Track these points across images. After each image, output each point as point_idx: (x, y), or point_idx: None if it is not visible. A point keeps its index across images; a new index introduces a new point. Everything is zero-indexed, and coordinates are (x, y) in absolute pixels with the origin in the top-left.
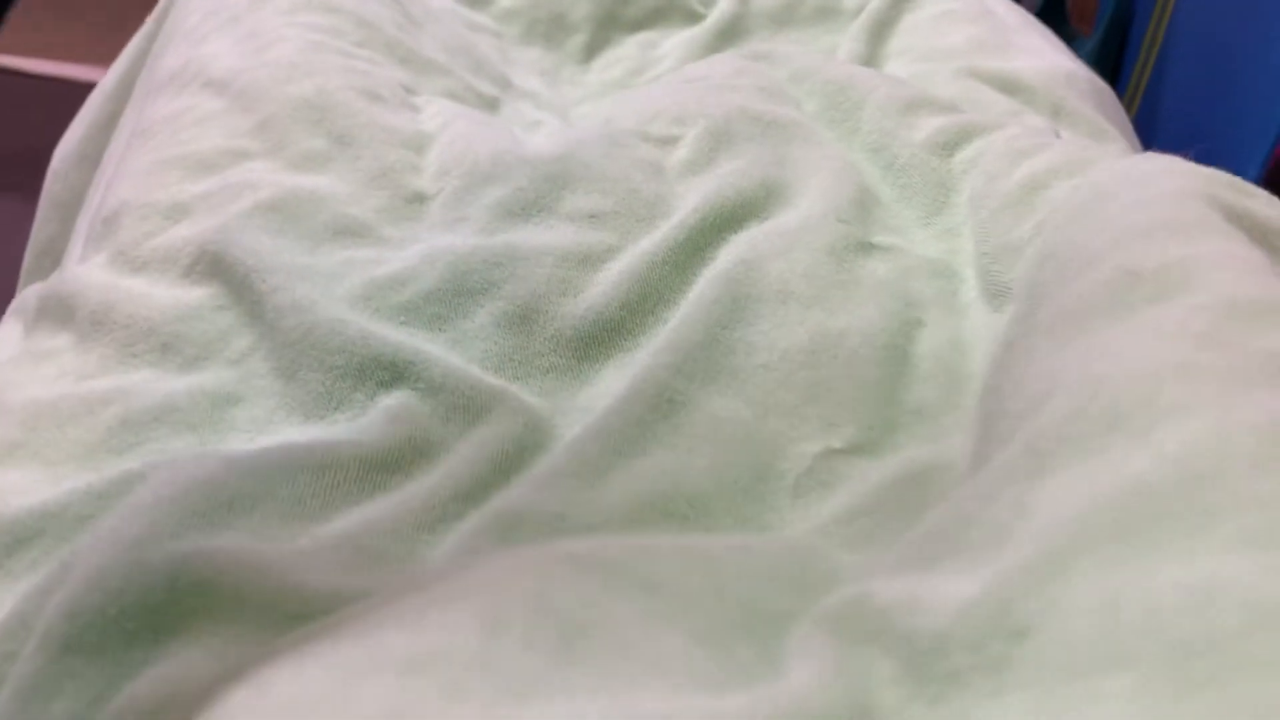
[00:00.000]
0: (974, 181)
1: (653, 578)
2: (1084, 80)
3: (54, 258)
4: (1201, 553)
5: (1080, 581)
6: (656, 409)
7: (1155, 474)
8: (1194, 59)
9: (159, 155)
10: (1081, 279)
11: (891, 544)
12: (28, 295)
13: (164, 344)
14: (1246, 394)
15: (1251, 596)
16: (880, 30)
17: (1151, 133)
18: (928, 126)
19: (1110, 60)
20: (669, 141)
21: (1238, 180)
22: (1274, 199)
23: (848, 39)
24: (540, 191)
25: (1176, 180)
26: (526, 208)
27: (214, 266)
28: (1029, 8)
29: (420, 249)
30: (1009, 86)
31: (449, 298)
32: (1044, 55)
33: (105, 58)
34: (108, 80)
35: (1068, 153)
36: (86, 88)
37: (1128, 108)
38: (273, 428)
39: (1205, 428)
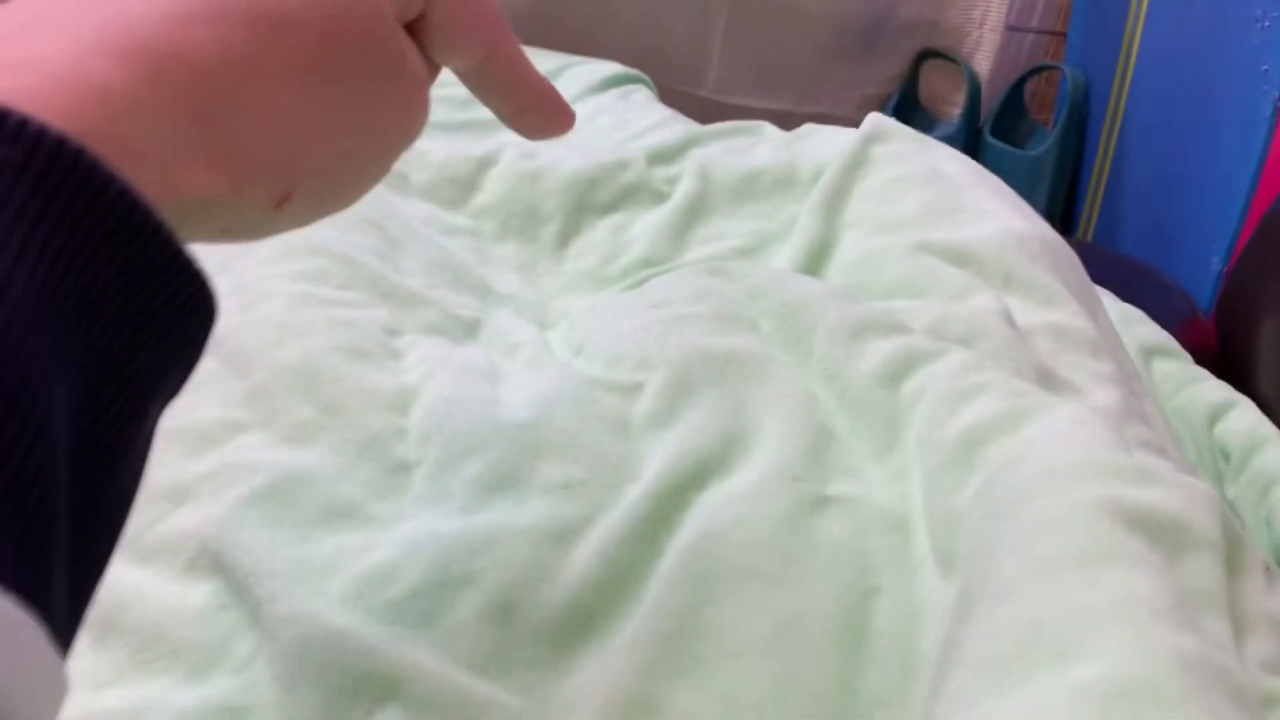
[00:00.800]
0: (919, 423)
1: None
2: (1035, 241)
3: None
4: None
5: None
6: (629, 718)
7: None
8: (1152, 141)
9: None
10: (995, 613)
11: None
12: None
13: (173, 650)
14: None
15: None
16: (834, 202)
17: (1117, 218)
18: (875, 354)
19: (1072, 148)
20: (633, 390)
21: (1143, 466)
22: (1178, 483)
23: (806, 213)
24: (515, 464)
25: (1083, 487)
26: (503, 481)
27: (214, 564)
28: (987, 104)
29: (406, 534)
30: (960, 259)
31: (434, 591)
32: (995, 218)
33: None
34: None
35: (1002, 400)
36: None
37: (1092, 195)
38: None
39: None
